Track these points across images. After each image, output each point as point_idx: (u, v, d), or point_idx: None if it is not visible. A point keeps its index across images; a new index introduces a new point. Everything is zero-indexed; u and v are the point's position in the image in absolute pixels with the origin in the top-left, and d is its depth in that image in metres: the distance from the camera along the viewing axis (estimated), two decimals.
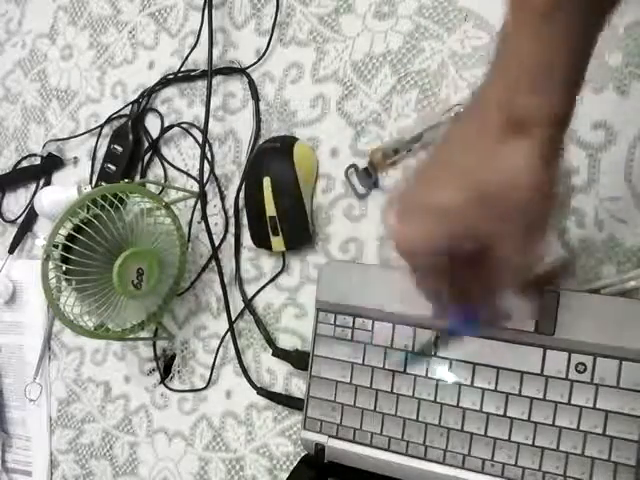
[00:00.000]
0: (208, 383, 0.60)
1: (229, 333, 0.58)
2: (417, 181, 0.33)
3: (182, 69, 0.64)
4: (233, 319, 0.58)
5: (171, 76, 0.64)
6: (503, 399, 0.44)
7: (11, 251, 0.73)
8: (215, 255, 0.60)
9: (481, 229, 0.30)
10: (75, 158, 0.71)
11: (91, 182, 0.68)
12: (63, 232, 0.51)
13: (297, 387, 0.56)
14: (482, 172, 0.30)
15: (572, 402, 0.42)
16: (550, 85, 0.28)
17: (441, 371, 0.46)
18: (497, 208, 0.29)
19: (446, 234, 0.31)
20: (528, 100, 0.28)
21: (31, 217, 0.73)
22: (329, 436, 0.50)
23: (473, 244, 0.31)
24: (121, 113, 0.67)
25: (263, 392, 0.56)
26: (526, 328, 0.44)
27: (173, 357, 0.63)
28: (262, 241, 0.56)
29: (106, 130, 0.68)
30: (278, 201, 0.54)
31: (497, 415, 0.44)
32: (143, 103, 0.66)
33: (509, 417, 0.44)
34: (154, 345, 0.63)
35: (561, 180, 0.30)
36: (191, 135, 0.64)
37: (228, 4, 0.62)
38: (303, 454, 0.53)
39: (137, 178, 0.66)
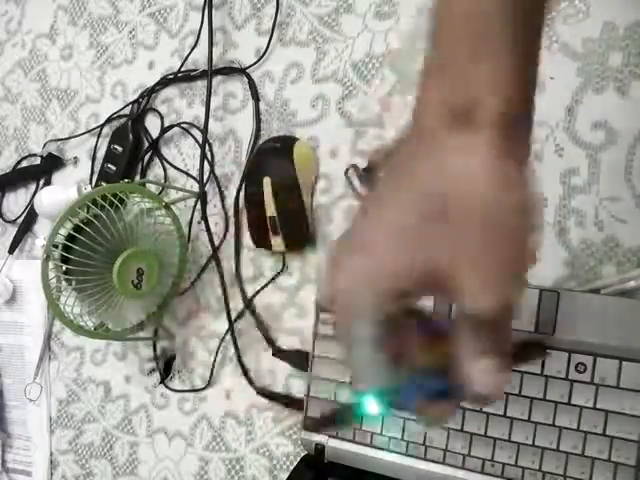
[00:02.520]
0: (208, 383, 0.60)
1: (229, 333, 0.58)
2: (355, 220, 0.27)
3: (182, 69, 0.64)
4: (233, 319, 0.58)
5: (171, 76, 0.64)
6: (503, 399, 0.44)
7: (11, 251, 0.73)
8: (215, 255, 0.60)
9: (440, 256, 0.23)
10: (75, 158, 0.71)
11: (91, 182, 0.68)
12: (63, 232, 0.51)
13: (297, 387, 0.56)
14: (430, 186, 0.23)
15: (572, 402, 0.42)
16: (493, 47, 0.22)
17: None
18: (456, 226, 0.23)
19: (397, 271, 0.24)
20: (468, 78, 0.23)
21: (31, 217, 0.73)
22: (329, 436, 0.50)
23: (432, 282, 0.24)
24: (121, 113, 0.67)
25: (263, 392, 0.56)
26: (526, 328, 0.44)
27: (173, 357, 0.63)
28: (262, 241, 0.56)
29: (106, 130, 0.68)
30: (278, 201, 0.54)
31: (497, 415, 0.44)
32: (143, 103, 0.66)
33: (509, 417, 0.44)
34: (154, 345, 0.63)
35: (533, 190, 0.24)
36: (191, 135, 0.63)
37: (228, 4, 0.62)
38: (303, 454, 0.53)
39: (137, 178, 0.66)
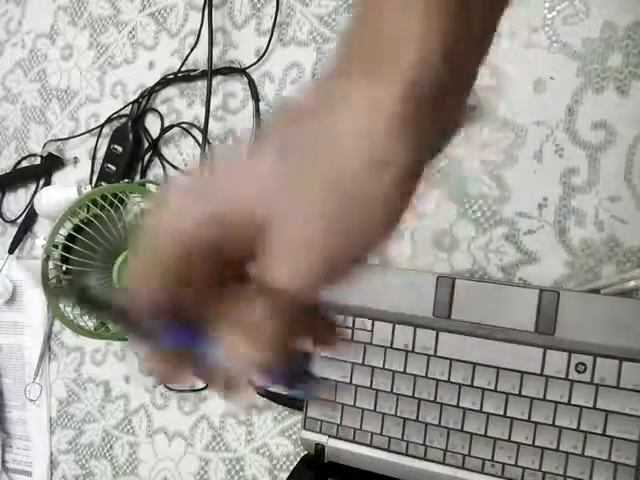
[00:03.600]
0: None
1: None
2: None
3: (182, 69, 0.63)
4: None
5: (171, 76, 0.64)
6: (503, 399, 0.44)
7: (11, 251, 0.73)
8: None
9: (274, 208, 0.20)
10: (75, 158, 0.71)
11: (91, 182, 0.68)
12: (63, 232, 0.51)
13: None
14: (308, 128, 0.20)
15: (572, 402, 0.42)
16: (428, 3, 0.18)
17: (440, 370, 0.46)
18: (307, 186, 0.20)
19: (216, 210, 0.20)
20: (390, 23, 0.19)
21: (31, 217, 0.73)
22: (329, 436, 0.50)
23: (247, 236, 0.20)
24: (121, 113, 0.67)
25: (263, 392, 0.56)
26: (526, 328, 0.44)
27: None
28: None
29: (106, 130, 0.68)
30: None
31: (497, 415, 0.44)
32: (143, 103, 0.66)
33: (509, 417, 0.44)
34: None
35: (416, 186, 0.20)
36: (191, 135, 0.63)
37: (228, 4, 0.62)
38: (303, 454, 0.53)
39: (137, 178, 0.66)
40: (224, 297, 0.22)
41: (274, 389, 0.56)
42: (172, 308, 0.22)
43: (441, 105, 0.20)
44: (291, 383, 0.25)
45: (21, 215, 0.73)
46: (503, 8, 0.21)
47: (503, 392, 0.44)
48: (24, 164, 0.74)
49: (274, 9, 0.59)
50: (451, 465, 0.46)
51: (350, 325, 0.49)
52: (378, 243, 0.20)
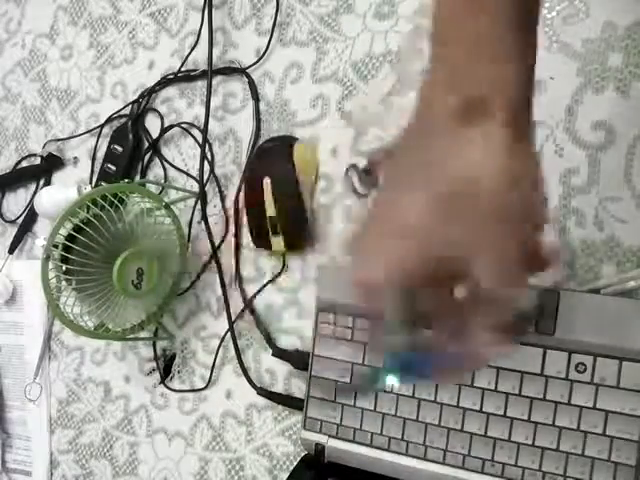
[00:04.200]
0: (208, 383, 0.60)
1: (229, 333, 0.58)
2: (369, 216, 0.28)
3: (182, 69, 0.63)
4: (233, 319, 0.58)
5: (171, 76, 0.64)
6: (503, 399, 0.44)
7: (11, 251, 0.73)
8: (215, 255, 0.60)
9: (454, 244, 0.25)
10: (75, 158, 0.71)
11: (91, 182, 0.68)
12: (63, 232, 0.51)
13: (297, 387, 0.56)
14: (440, 176, 0.25)
15: (572, 402, 0.42)
16: (500, 49, 0.24)
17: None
18: (467, 212, 0.24)
19: (413, 259, 0.26)
20: (478, 72, 0.24)
21: (31, 217, 0.73)
22: (329, 436, 0.50)
23: (446, 267, 0.26)
24: (121, 113, 0.67)
25: (263, 392, 0.56)
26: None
27: (173, 357, 0.63)
28: (262, 241, 0.56)
29: (106, 130, 0.68)
30: (278, 201, 0.54)
31: (497, 415, 0.44)
32: (143, 103, 0.66)
33: (509, 417, 0.44)
34: (154, 345, 0.63)
35: (540, 175, 0.26)
36: (191, 135, 0.63)
37: (228, 4, 0.62)
38: (303, 454, 0.53)
39: (137, 178, 0.66)
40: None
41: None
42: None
43: (528, 114, 0.26)
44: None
45: (21, 215, 0.73)
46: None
47: (503, 392, 0.44)
48: (24, 164, 0.74)
49: (274, 9, 0.59)
50: (451, 465, 0.46)
51: (350, 325, 0.49)
52: (540, 234, 0.26)
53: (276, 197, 0.54)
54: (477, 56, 0.24)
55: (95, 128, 0.69)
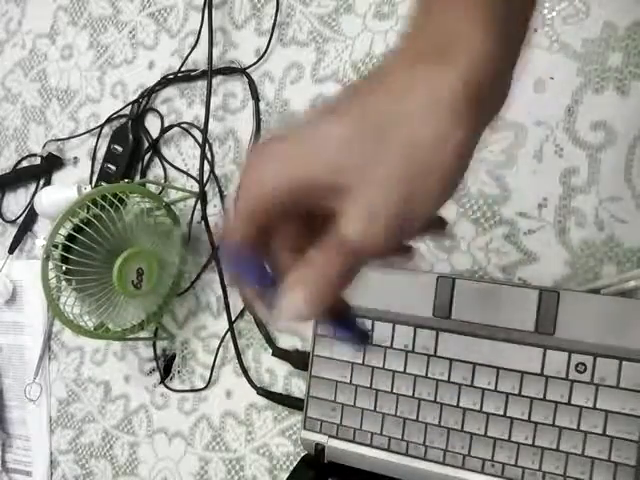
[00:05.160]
0: (208, 383, 0.60)
1: (229, 333, 0.58)
2: (291, 130, 0.26)
3: (182, 69, 0.64)
4: (233, 319, 0.58)
5: (171, 76, 0.64)
6: (503, 399, 0.44)
7: (11, 251, 0.73)
8: (215, 255, 0.60)
9: (341, 171, 0.23)
10: (75, 158, 0.71)
11: (91, 182, 0.68)
12: (63, 232, 0.51)
13: (297, 387, 0.56)
14: (369, 104, 0.24)
15: (572, 402, 0.42)
16: (484, 14, 0.23)
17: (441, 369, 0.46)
18: (372, 148, 0.23)
19: (300, 174, 0.24)
20: (454, 26, 0.23)
21: (31, 217, 0.73)
22: (329, 436, 0.50)
23: (320, 194, 0.24)
24: (121, 113, 0.67)
25: (263, 392, 0.56)
26: (526, 328, 0.44)
27: (173, 357, 0.63)
28: None
29: (106, 130, 0.68)
30: None
31: (497, 415, 0.44)
32: (143, 103, 0.66)
33: (509, 417, 0.44)
34: (154, 345, 0.63)
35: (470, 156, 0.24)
36: (191, 135, 0.63)
37: (228, 4, 0.62)
38: (303, 454, 0.53)
39: (137, 178, 0.66)
40: (298, 246, 0.26)
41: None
42: (254, 249, 0.27)
43: (496, 84, 0.24)
44: (341, 326, 0.30)
45: (21, 215, 0.73)
46: None
47: (503, 392, 0.44)
48: (24, 164, 0.74)
49: (274, 9, 0.59)
50: (451, 465, 0.46)
51: None
52: (440, 204, 0.24)
53: None
54: (459, 12, 0.23)
55: (95, 128, 0.69)
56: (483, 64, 0.23)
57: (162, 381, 0.63)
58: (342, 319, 0.29)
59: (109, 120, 0.68)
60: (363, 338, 0.31)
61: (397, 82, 0.24)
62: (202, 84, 0.63)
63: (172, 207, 0.58)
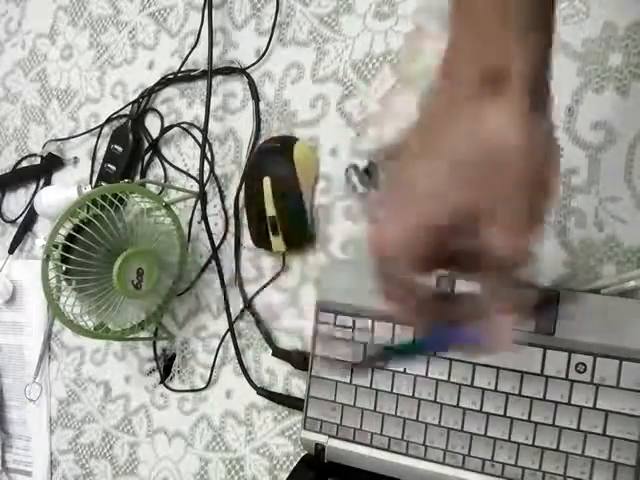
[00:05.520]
0: (208, 383, 0.60)
1: (229, 333, 0.58)
2: (391, 179, 0.29)
3: (182, 69, 0.64)
4: (233, 319, 0.58)
5: (171, 76, 0.64)
6: (503, 399, 0.44)
7: (11, 251, 0.73)
8: (215, 255, 0.60)
9: (467, 210, 0.26)
10: (75, 158, 0.71)
11: (91, 182, 0.68)
12: (63, 232, 0.51)
13: (297, 387, 0.56)
14: (460, 142, 0.26)
15: (572, 402, 0.42)
16: (522, 22, 0.25)
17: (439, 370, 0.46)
18: (484, 178, 0.26)
19: (428, 224, 0.26)
20: (500, 44, 0.25)
21: (31, 217, 0.73)
22: (329, 436, 0.50)
23: (462, 233, 0.26)
24: (121, 113, 0.67)
25: (263, 392, 0.56)
26: (526, 328, 0.44)
27: (173, 357, 0.63)
28: (262, 241, 0.56)
29: (106, 130, 0.68)
30: (278, 201, 0.54)
31: (497, 415, 0.44)
32: (143, 103, 0.66)
33: (509, 417, 0.44)
34: (154, 345, 0.63)
35: (555, 146, 0.27)
36: (191, 135, 0.63)
37: (228, 4, 0.62)
38: (303, 454, 0.53)
39: (137, 178, 0.66)
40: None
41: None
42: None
43: (546, 84, 0.27)
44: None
45: (21, 215, 0.73)
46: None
47: (503, 392, 0.44)
48: (24, 164, 0.74)
49: (274, 9, 0.59)
50: (451, 465, 0.46)
51: (350, 325, 0.49)
52: (554, 195, 0.27)
53: (276, 197, 0.54)
54: (503, 25, 0.25)
55: (95, 128, 0.69)
56: (539, 65, 0.26)
57: (162, 381, 0.63)
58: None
59: (109, 120, 0.68)
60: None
61: (472, 114, 0.26)
62: (202, 84, 0.63)
63: (172, 207, 0.58)
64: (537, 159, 0.25)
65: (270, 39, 0.59)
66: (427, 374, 0.46)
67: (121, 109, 0.67)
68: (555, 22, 0.27)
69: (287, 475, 0.52)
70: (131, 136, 0.65)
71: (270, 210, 0.54)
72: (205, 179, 0.60)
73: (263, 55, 0.59)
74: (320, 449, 0.50)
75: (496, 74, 0.25)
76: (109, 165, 0.66)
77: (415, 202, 0.27)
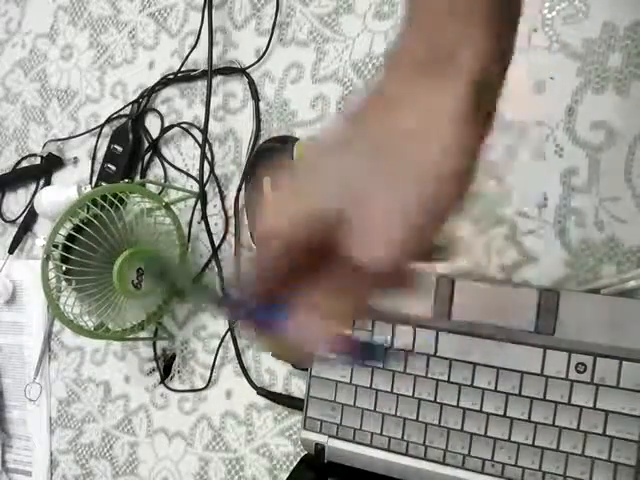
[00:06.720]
0: (208, 383, 0.60)
1: (229, 333, 0.58)
2: (304, 161, 0.27)
3: (182, 69, 0.64)
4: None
5: (171, 76, 0.64)
6: (503, 399, 0.44)
7: (11, 251, 0.73)
8: (215, 255, 0.60)
9: (363, 193, 0.23)
10: (75, 158, 0.71)
11: (91, 182, 0.68)
12: (63, 232, 0.51)
13: (297, 387, 0.56)
14: (376, 126, 0.24)
15: (572, 402, 0.42)
16: (478, 14, 0.23)
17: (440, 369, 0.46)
18: (382, 166, 0.23)
19: (309, 213, 0.24)
20: (452, 27, 0.23)
21: (31, 217, 0.73)
22: (329, 436, 0.50)
23: (325, 226, 0.24)
24: (121, 113, 0.67)
25: (263, 392, 0.56)
26: (526, 328, 0.44)
27: (173, 357, 0.63)
28: None
29: (106, 130, 0.68)
30: None
31: (497, 415, 0.44)
32: (143, 103, 0.66)
33: (509, 417, 0.44)
34: (154, 345, 0.63)
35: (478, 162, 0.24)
36: (191, 135, 0.63)
37: (228, 4, 0.62)
38: (303, 454, 0.53)
39: (137, 178, 0.66)
40: (313, 278, 0.26)
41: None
42: (269, 289, 0.27)
43: (493, 97, 0.24)
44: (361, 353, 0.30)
45: (21, 215, 0.73)
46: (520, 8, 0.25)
47: (503, 392, 0.44)
48: (24, 164, 0.74)
49: (274, 9, 0.59)
50: (451, 465, 0.46)
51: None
52: (450, 214, 0.24)
53: None
54: (454, 13, 0.23)
55: (95, 128, 0.69)
56: (488, 63, 0.23)
57: (162, 381, 0.63)
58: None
59: (109, 120, 0.68)
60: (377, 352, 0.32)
61: (391, 105, 0.24)
62: (202, 84, 0.63)
63: (172, 207, 0.58)
64: (449, 177, 0.23)
65: (270, 39, 0.59)
66: (427, 374, 0.46)
67: (121, 109, 0.67)
68: (514, 35, 0.25)
69: (287, 475, 0.52)
70: (131, 136, 0.65)
71: None
72: (205, 179, 0.60)
73: (263, 55, 0.59)
74: (320, 449, 0.50)
75: (437, 55, 0.23)
76: (109, 165, 0.66)
77: (309, 190, 0.25)
